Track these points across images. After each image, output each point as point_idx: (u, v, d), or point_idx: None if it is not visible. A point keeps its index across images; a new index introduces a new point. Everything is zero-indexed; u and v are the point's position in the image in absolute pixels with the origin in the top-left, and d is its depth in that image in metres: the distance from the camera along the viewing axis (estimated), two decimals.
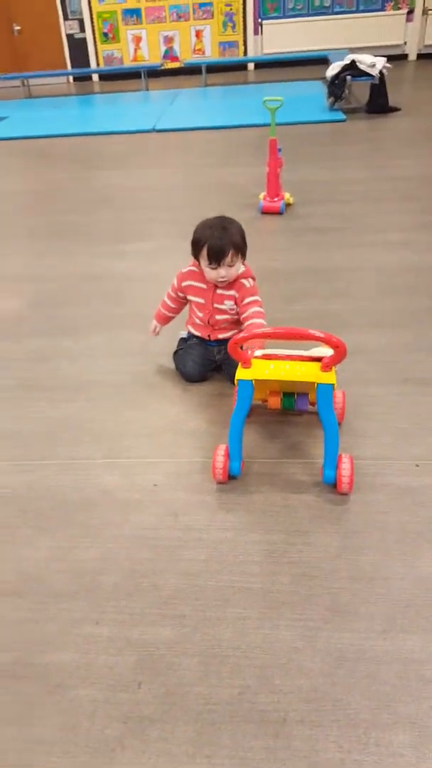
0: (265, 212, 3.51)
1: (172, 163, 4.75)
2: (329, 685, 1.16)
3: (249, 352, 1.66)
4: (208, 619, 1.31)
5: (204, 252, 1.90)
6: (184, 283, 2.06)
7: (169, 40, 8.46)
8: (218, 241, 1.87)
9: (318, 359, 1.60)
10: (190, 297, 2.08)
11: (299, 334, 1.51)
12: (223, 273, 1.92)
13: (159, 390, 2.08)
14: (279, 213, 3.49)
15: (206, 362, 2.11)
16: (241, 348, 1.65)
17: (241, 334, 1.61)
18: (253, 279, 2.01)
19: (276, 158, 3.38)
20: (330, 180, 4.05)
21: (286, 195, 3.57)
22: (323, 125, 5.48)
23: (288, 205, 3.57)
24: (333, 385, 1.56)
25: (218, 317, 2.04)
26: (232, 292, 1.99)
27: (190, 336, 2.15)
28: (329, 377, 1.56)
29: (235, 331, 2.06)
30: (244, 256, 1.96)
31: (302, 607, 1.31)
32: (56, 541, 1.53)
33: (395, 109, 5.73)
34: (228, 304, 2.01)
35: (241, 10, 8.19)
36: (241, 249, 1.92)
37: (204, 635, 1.28)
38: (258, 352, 1.67)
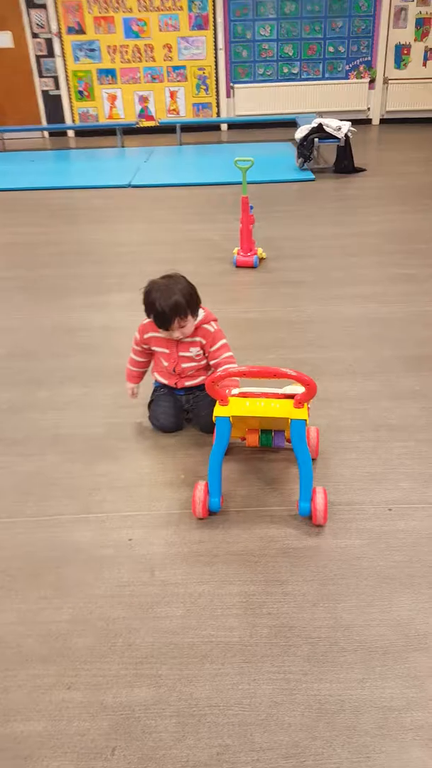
0: (240, 266, 3.64)
1: (147, 218, 4.92)
2: (310, 739, 1.16)
3: (226, 391, 1.74)
4: (185, 678, 1.30)
5: (152, 319, 1.96)
6: (146, 335, 2.08)
7: (144, 99, 8.87)
8: (163, 310, 1.90)
9: (291, 396, 1.71)
10: (154, 348, 2.10)
11: (273, 372, 1.63)
12: (176, 334, 1.98)
13: (133, 442, 2.10)
14: (252, 267, 3.63)
15: (178, 411, 2.14)
16: (218, 386, 1.73)
17: (218, 373, 1.70)
18: (215, 321, 2.07)
19: (248, 215, 3.54)
20: (301, 236, 4.23)
21: (259, 250, 3.72)
22: (293, 184, 5.76)
23: (261, 259, 3.72)
24: (305, 420, 1.66)
25: (184, 365, 2.08)
26: (197, 339, 2.05)
27: (158, 385, 2.18)
28: (302, 413, 1.66)
29: (203, 378, 2.11)
30: (194, 312, 1.97)
31: (281, 659, 1.32)
32: (25, 602, 1.51)
33: (361, 170, 6.06)
34: (194, 351, 2.06)
35: (213, 74, 8.68)
36: (186, 310, 1.93)
37: (181, 694, 1.27)
38: (234, 391, 1.77)
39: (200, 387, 2.13)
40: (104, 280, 3.65)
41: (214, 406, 1.87)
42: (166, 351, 2.08)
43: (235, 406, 1.72)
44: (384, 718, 1.18)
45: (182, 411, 2.15)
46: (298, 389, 1.73)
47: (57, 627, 1.43)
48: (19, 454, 2.07)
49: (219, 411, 1.71)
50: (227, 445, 1.73)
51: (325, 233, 4.28)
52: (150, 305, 1.94)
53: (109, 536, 1.70)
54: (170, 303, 1.90)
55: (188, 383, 2.12)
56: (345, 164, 6.03)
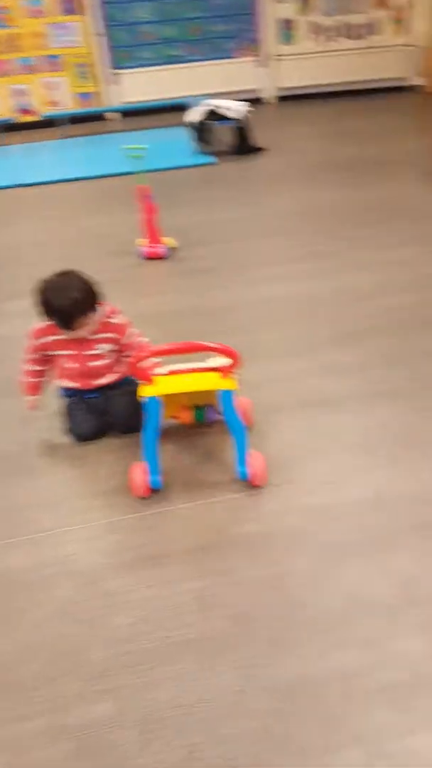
0: (149, 257, 3.65)
1: (40, 217, 4.82)
2: (278, 721, 1.21)
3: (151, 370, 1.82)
4: (145, 684, 1.32)
5: (53, 321, 1.94)
6: (42, 340, 2.03)
7: (20, 93, 8.65)
8: (62, 308, 1.89)
9: (217, 369, 1.83)
10: (54, 352, 2.05)
11: (196, 347, 1.76)
12: (82, 332, 1.97)
13: (53, 456, 2.07)
14: (162, 257, 3.65)
15: (98, 415, 2.11)
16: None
17: (141, 354, 1.77)
18: (119, 312, 2.07)
19: (150, 205, 3.56)
20: (209, 221, 4.29)
21: (169, 239, 3.75)
22: (194, 169, 5.82)
23: (172, 248, 3.75)
24: (234, 390, 1.79)
25: (91, 364, 2.05)
26: (108, 335, 2.03)
27: (67, 393, 2.13)
28: (229, 383, 1.79)
29: (114, 375, 2.10)
30: (95, 306, 1.96)
31: (241, 647, 1.36)
32: None
33: (261, 150, 6.21)
34: (103, 348, 2.04)
35: (93, 61, 8.59)
36: (87, 305, 1.92)
37: (143, 701, 1.29)
38: (160, 370, 1.86)
39: (112, 386, 2.11)
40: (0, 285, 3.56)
41: (131, 402, 1.96)
42: (71, 352, 2.04)
43: (163, 384, 1.80)
44: (348, 685, 1.25)
45: (100, 414, 2.11)
46: (222, 362, 1.83)
47: (2, 659, 1.41)
48: None
49: (146, 391, 1.79)
50: (159, 424, 1.81)
51: (234, 216, 4.36)
52: (47, 305, 1.90)
53: (45, 555, 1.68)
54: (70, 300, 1.88)
55: (98, 382, 2.09)
56: (245, 145, 6.15)
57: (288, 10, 8.71)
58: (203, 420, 2.08)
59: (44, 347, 2.05)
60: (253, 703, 1.25)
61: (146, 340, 2.08)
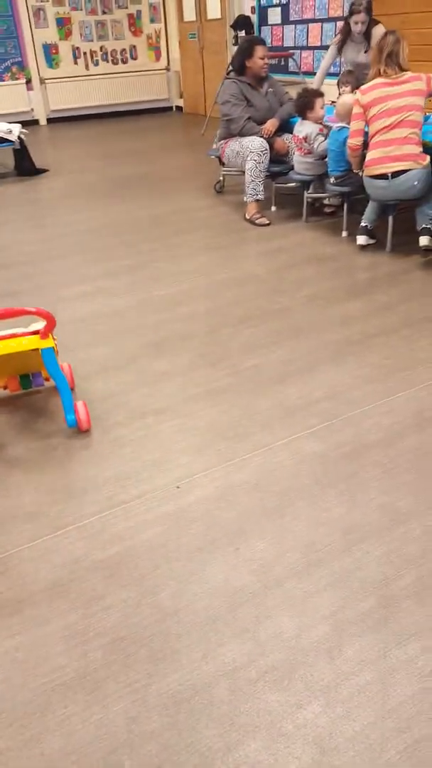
0: None
1: None
2: (176, 735, 1.14)
3: None
4: (29, 739, 1.16)
5: None
6: None
7: None
8: None
9: (36, 332, 1.93)
10: None
11: (15, 311, 1.84)
12: None
13: None
14: None
15: None
16: None
17: None
18: None
19: None
20: (4, 244, 3.97)
21: None
22: None
23: None
24: (53, 347, 1.92)
25: None
26: None
27: None
28: (48, 342, 1.91)
29: None
30: None
31: (123, 673, 1.26)
32: None
33: (43, 171, 5.91)
34: None
35: None
36: None
37: (29, 758, 1.13)
38: None
39: None
40: None
41: None
42: None
43: None
44: (233, 681, 1.22)
45: None
46: (39, 325, 1.94)
47: None
48: None
49: None
50: None
51: (29, 238, 4.09)
52: None
53: None
54: None
55: None
56: (26, 166, 5.81)
57: (50, 35, 8.41)
58: (31, 386, 2.19)
59: None
60: (147, 725, 1.16)
61: None
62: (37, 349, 1.91)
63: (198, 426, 2.03)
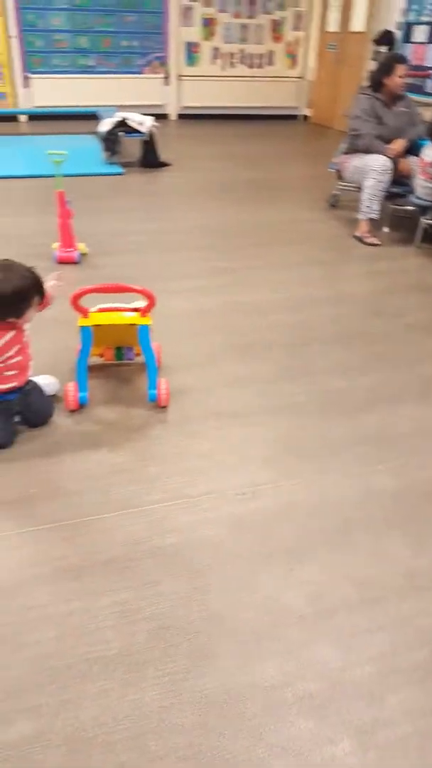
0: (61, 262, 3.44)
1: None
2: (203, 735, 1.15)
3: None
4: (68, 702, 1.21)
5: (36, 296, 1.87)
6: None
7: None
8: (36, 278, 1.86)
9: (137, 309, 2.12)
10: (8, 354, 1.90)
11: (122, 287, 2.06)
12: (31, 314, 1.90)
13: None
14: (75, 263, 3.45)
15: (9, 423, 1.96)
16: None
17: (78, 291, 1.99)
18: None
19: (65, 209, 3.35)
20: (118, 231, 4.13)
21: (81, 245, 3.55)
22: (103, 178, 5.57)
23: (83, 254, 3.55)
24: (149, 325, 2.08)
25: (28, 352, 1.98)
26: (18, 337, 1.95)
27: None
28: (146, 320, 2.08)
29: (28, 375, 2.00)
30: (42, 295, 1.92)
31: (163, 661, 1.29)
32: None
33: (166, 164, 6.08)
34: (14, 349, 1.94)
35: (7, 63, 8.01)
36: (39, 290, 1.89)
37: (66, 720, 1.18)
38: (93, 309, 2.12)
39: (28, 381, 2.01)
40: None
41: (41, 393, 2.03)
42: (17, 347, 1.91)
43: (95, 318, 2.08)
44: (268, 698, 1.21)
45: (12, 420, 1.97)
46: (141, 303, 2.11)
47: None
48: None
49: (82, 322, 2.05)
50: (89, 350, 2.09)
51: (141, 228, 4.22)
52: (7, 283, 1.78)
53: None
54: (27, 277, 1.81)
55: (29, 373, 2.00)
56: (151, 159, 5.99)
57: (194, 34, 8.61)
58: (122, 358, 2.36)
59: None
60: (177, 718, 1.18)
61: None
62: (134, 325, 2.07)
63: (270, 437, 2.03)
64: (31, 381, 2.03)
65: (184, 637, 1.33)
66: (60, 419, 2.07)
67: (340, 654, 1.31)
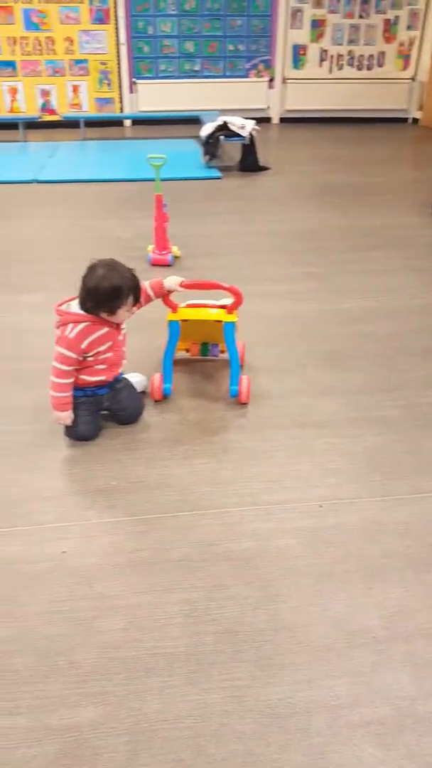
0: (154, 264, 3.56)
1: (56, 215, 4.69)
2: (263, 746, 1.14)
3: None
4: (132, 693, 1.25)
5: (130, 300, 1.92)
6: (84, 343, 1.91)
7: (46, 93, 8.46)
8: (135, 281, 1.92)
9: (223, 306, 2.18)
10: (98, 349, 1.95)
11: (213, 284, 2.14)
12: (125, 315, 1.97)
13: (58, 449, 1.99)
14: (168, 265, 3.55)
15: (97, 416, 2.05)
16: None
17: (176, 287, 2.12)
18: None
19: (162, 213, 3.46)
20: (211, 234, 4.20)
21: (174, 248, 3.65)
22: (200, 182, 5.70)
23: (176, 257, 3.65)
24: (234, 322, 2.15)
25: (122, 350, 2.06)
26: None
27: (74, 395, 2.01)
28: (232, 317, 2.15)
29: (118, 371, 2.07)
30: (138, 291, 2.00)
31: (228, 666, 1.29)
32: None
33: (265, 168, 6.11)
34: (123, 330, 2.05)
35: (116, 69, 8.41)
36: (137, 289, 1.96)
37: (130, 711, 1.22)
38: (182, 304, 2.21)
39: (117, 378, 2.08)
40: (10, 279, 3.44)
41: (133, 392, 2.10)
42: (110, 343, 1.98)
43: (183, 313, 2.18)
44: (334, 717, 1.19)
45: (99, 414, 2.06)
46: (228, 301, 2.18)
47: None
48: None
49: (171, 316, 2.16)
50: (176, 344, 2.20)
51: (234, 231, 4.27)
52: (126, 284, 1.88)
53: (41, 549, 1.59)
54: (129, 277, 1.90)
55: (120, 370, 2.08)
56: (250, 162, 6.05)
57: (302, 36, 8.60)
58: (207, 354, 2.44)
59: (88, 349, 1.94)
60: (238, 724, 1.18)
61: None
62: (220, 321, 2.15)
63: (355, 451, 1.98)
64: (123, 379, 2.10)
65: (251, 645, 1.33)
66: (144, 416, 2.13)
67: (413, 683, 1.25)
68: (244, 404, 2.20)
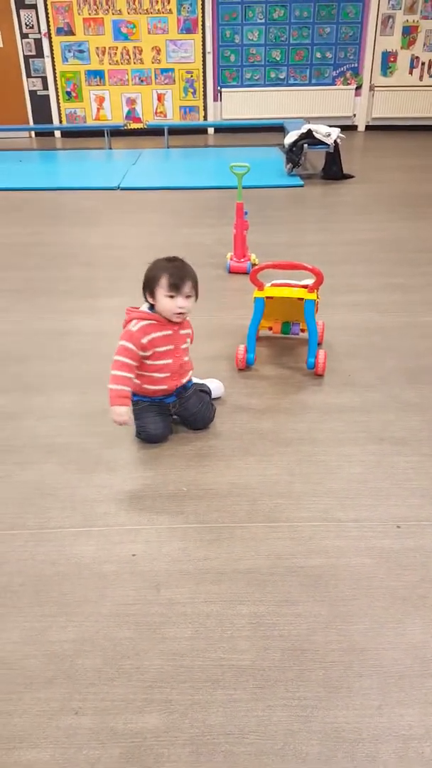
0: (233, 272, 3.60)
1: (138, 221, 4.84)
2: None
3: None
4: (197, 703, 1.26)
5: (163, 281, 1.91)
6: (145, 339, 1.94)
7: (131, 101, 8.78)
8: (178, 270, 1.93)
9: (305, 286, 2.43)
10: (157, 350, 1.97)
11: (294, 265, 2.38)
12: (180, 303, 1.93)
13: (131, 452, 2.04)
14: (246, 273, 3.58)
15: (167, 418, 2.09)
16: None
17: (258, 266, 2.38)
18: None
19: (242, 221, 3.50)
20: (291, 242, 4.20)
21: (252, 256, 3.68)
22: (282, 190, 5.72)
23: (254, 265, 3.68)
24: (315, 300, 2.38)
25: (185, 359, 2.07)
26: (187, 331, 2.07)
27: (140, 399, 2.06)
28: (312, 296, 2.38)
29: (182, 381, 2.07)
30: (197, 293, 2.00)
31: (295, 684, 1.28)
32: (28, 620, 1.44)
33: (349, 177, 6.05)
34: (186, 344, 2.07)
35: (201, 77, 8.62)
36: (197, 284, 1.98)
37: (193, 721, 1.22)
38: (268, 284, 2.47)
39: (185, 386, 2.10)
40: (94, 283, 3.58)
41: (201, 399, 2.12)
42: (170, 347, 2.00)
43: (268, 291, 2.44)
44: (404, 747, 1.15)
45: (169, 417, 2.11)
46: (311, 281, 2.41)
47: (62, 647, 1.37)
48: (16, 463, 2.00)
49: (257, 294, 2.43)
50: (260, 320, 2.47)
51: (315, 240, 4.25)
52: (162, 270, 1.93)
53: (112, 551, 1.64)
54: (186, 267, 1.96)
55: (183, 380, 2.09)
56: (334, 170, 6.01)
57: (392, 43, 8.48)
58: (288, 332, 2.68)
59: (149, 345, 1.97)
60: (303, 745, 1.16)
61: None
62: (302, 299, 2.38)
63: None
64: (192, 385, 2.14)
65: (320, 664, 1.31)
66: (217, 423, 2.16)
67: None
68: (320, 376, 2.45)
